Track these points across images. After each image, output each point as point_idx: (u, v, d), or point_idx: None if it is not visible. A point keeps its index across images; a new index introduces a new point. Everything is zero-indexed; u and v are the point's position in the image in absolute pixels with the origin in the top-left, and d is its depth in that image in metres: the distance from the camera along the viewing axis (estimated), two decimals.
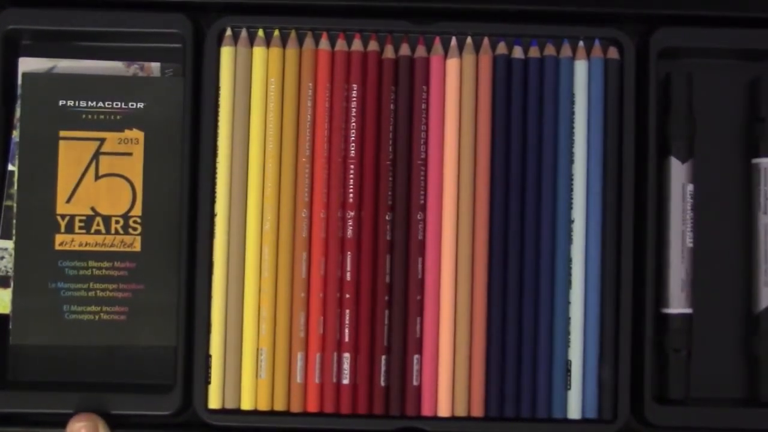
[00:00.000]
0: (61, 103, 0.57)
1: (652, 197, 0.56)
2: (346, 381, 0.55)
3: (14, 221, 0.56)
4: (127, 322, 0.56)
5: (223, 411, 0.55)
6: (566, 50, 0.56)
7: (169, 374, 0.56)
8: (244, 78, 0.56)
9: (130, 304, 0.56)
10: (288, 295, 0.56)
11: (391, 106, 0.56)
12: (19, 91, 0.57)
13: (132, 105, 0.57)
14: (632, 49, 0.56)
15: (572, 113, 0.56)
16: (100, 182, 0.57)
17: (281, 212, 0.56)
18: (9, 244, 0.57)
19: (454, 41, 0.57)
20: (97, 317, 0.56)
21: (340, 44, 0.56)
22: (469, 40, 0.56)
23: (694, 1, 0.57)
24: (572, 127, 0.56)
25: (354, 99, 0.56)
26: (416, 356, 0.55)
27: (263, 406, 0.55)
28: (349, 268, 0.56)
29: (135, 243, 0.56)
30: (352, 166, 0.56)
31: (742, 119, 0.59)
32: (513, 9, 0.57)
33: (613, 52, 0.57)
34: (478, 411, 0.55)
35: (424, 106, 0.56)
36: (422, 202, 0.56)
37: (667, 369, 0.56)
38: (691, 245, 0.56)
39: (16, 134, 0.57)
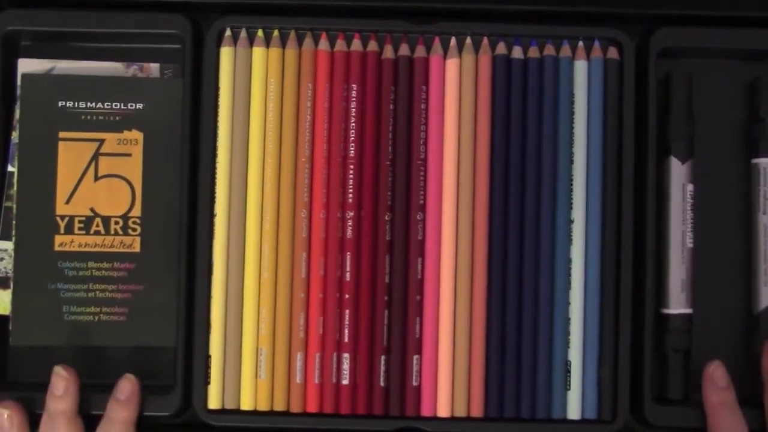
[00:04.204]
0: (60, 104, 0.57)
1: (651, 197, 0.56)
2: (345, 381, 0.55)
3: (14, 222, 0.56)
4: (127, 323, 0.56)
5: (222, 411, 0.55)
6: (566, 50, 0.56)
7: (169, 375, 0.56)
8: (243, 78, 0.56)
9: (129, 305, 0.56)
10: (287, 296, 0.56)
11: (391, 106, 0.56)
12: (18, 92, 0.57)
13: (131, 106, 0.57)
14: (632, 49, 0.56)
15: (572, 113, 0.56)
16: (99, 183, 0.57)
17: (281, 212, 0.56)
18: (9, 245, 0.57)
19: (453, 41, 0.56)
20: (96, 318, 0.56)
21: (340, 44, 0.56)
22: (468, 40, 0.56)
23: (694, 1, 0.57)
24: (572, 128, 0.56)
25: (353, 99, 0.56)
26: (416, 356, 0.55)
27: (263, 407, 0.55)
28: (348, 268, 0.56)
29: (134, 244, 0.56)
30: (351, 167, 0.56)
31: (742, 119, 0.58)
32: (512, 9, 0.57)
33: (612, 52, 0.57)
34: (477, 411, 0.55)
35: (423, 106, 0.56)
36: (422, 202, 0.56)
37: (666, 369, 0.56)
38: (691, 245, 0.56)
39: (15, 135, 0.57)
